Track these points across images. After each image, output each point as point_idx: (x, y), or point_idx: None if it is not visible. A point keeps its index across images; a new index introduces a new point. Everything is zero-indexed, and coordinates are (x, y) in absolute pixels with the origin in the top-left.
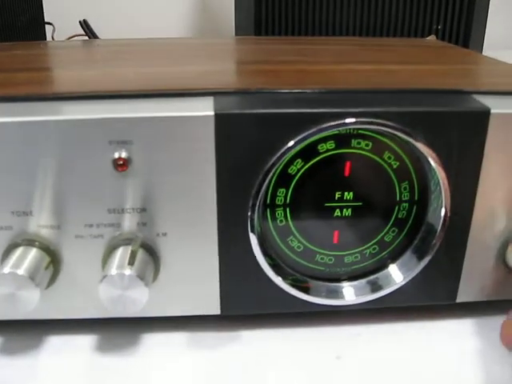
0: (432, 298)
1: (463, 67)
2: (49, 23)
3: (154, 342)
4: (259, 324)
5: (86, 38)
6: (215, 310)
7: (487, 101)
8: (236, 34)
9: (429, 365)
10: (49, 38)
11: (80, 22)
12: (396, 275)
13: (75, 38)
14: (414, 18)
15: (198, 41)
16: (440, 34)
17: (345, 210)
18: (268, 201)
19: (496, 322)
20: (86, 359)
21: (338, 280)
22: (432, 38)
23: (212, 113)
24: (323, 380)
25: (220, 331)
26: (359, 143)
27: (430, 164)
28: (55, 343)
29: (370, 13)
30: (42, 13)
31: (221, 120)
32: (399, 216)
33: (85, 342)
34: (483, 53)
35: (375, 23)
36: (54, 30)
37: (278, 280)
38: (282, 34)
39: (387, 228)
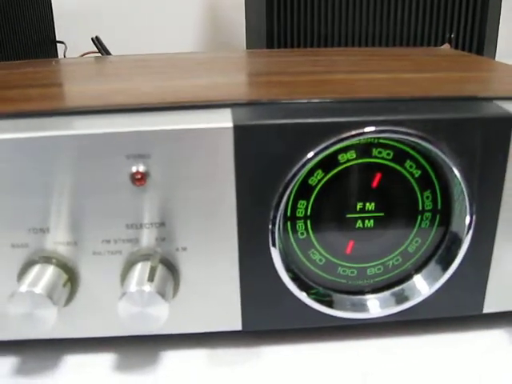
0: (458, 310)
1: (481, 74)
2: (60, 42)
3: (174, 360)
4: (281, 340)
5: (99, 54)
6: (236, 325)
7: (509, 106)
8: (247, 47)
9: (457, 379)
10: (61, 56)
11: (92, 38)
12: (421, 286)
13: (88, 54)
14: (427, 27)
15: (211, 55)
16: (454, 42)
17: (366, 220)
18: (288, 213)
19: None
20: (105, 378)
21: (362, 293)
22: (446, 46)
23: (231, 124)
24: None
25: (241, 347)
26: (380, 152)
27: (453, 172)
28: (73, 362)
29: (383, 23)
30: (54, 32)
31: (239, 131)
32: (422, 226)
33: (103, 360)
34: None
35: (388, 33)
36: (65, 49)
37: (300, 294)
38: (295, 47)
39: (410, 238)
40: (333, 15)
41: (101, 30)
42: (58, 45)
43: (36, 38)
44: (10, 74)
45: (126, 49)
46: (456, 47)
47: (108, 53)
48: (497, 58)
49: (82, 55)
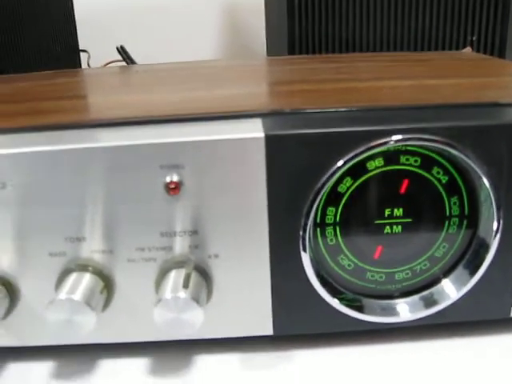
0: (486, 313)
1: (503, 79)
2: (84, 50)
3: (208, 364)
4: (312, 344)
5: (123, 63)
6: (268, 330)
7: None
8: (268, 54)
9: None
10: (84, 64)
11: (117, 47)
12: (450, 290)
13: (112, 63)
14: (449, 30)
15: (234, 63)
16: (475, 46)
17: (395, 226)
18: (318, 220)
19: None
20: (140, 382)
21: (391, 297)
22: (468, 50)
23: (262, 134)
24: None
25: (272, 351)
26: (408, 159)
27: (480, 178)
28: (109, 367)
29: (404, 27)
30: (77, 40)
31: (271, 141)
32: (449, 231)
33: (139, 365)
34: None
35: (409, 37)
36: (89, 57)
37: (330, 299)
38: (317, 52)
39: (438, 243)
40: (354, 20)
41: (122, 36)
42: (81, 53)
43: (59, 47)
44: (40, 85)
45: (147, 56)
46: (478, 49)
47: (133, 62)
48: None
49: (106, 64)
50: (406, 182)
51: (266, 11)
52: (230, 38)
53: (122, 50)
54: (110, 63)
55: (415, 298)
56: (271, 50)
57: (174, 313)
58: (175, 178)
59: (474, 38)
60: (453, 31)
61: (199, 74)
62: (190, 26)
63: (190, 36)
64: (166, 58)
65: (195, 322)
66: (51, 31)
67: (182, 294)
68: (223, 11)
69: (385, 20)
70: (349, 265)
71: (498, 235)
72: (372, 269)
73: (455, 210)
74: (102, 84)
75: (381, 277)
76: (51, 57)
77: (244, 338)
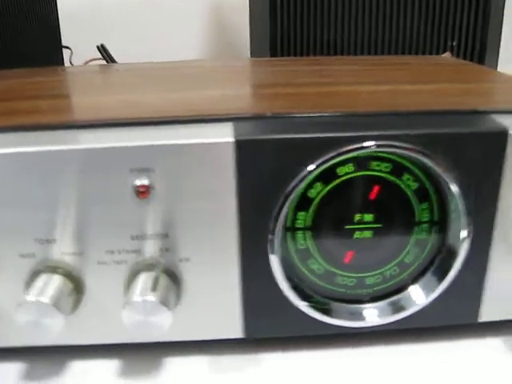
0: (454, 319)
1: (480, 86)
2: (66, 47)
3: (177, 366)
4: (281, 347)
5: (103, 61)
6: (238, 333)
7: (505, 120)
8: (251, 55)
9: None
10: (66, 61)
11: (98, 46)
12: (417, 296)
13: (93, 62)
14: (429, 34)
15: (215, 63)
16: (455, 50)
17: (365, 231)
18: (288, 224)
19: None
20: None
21: (360, 302)
22: (447, 54)
23: (232, 139)
24: None
25: (242, 354)
26: (378, 165)
27: (449, 185)
28: (78, 368)
29: (385, 30)
30: (60, 37)
31: (241, 146)
32: (419, 237)
33: (108, 366)
34: (498, 67)
35: (390, 40)
36: (71, 54)
37: (298, 303)
38: (298, 54)
39: (407, 249)
40: (335, 23)
41: (106, 33)
42: (63, 50)
43: (42, 43)
44: (18, 83)
45: (130, 54)
46: (458, 54)
47: (113, 61)
48: (499, 64)
49: (87, 62)
50: (376, 188)
51: (250, 12)
52: (214, 36)
53: (102, 49)
54: (90, 61)
55: (384, 303)
56: (254, 50)
57: (142, 315)
58: (145, 182)
59: (455, 43)
60: (433, 36)
61: (178, 75)
62: (175, 25)
63: (174, 35)
64: (150, 56)
65: (163, 325)
66: (34, 27)
67: (151, 297)
68: (208, 9)
69: (366, 23)
70: (319, 269)
71: (467, 243)
72: (343, 273)
73: (425, 217)
74: (80, 84)
75: (351, 281)
76: (34, 53)
77: (214, 340)
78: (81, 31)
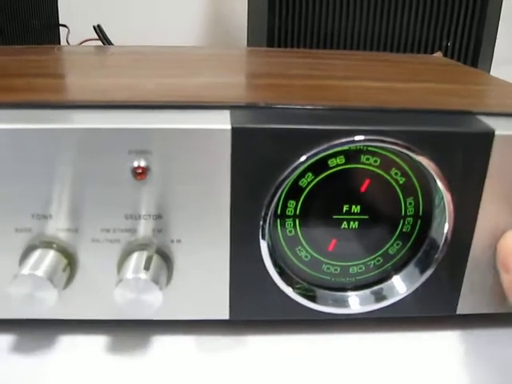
0: (433, 310)
1: (469, 87)
2: (63, 25)
3: (164, 344)
4: (266, 330)
5: (99, 42)
6: (224, 315)
7: (492, 122)
8: (248, 45)
9: (426, 373)
10: (63, 39)
11: (94, 27)
12: (399, 286)
13: (88, 42)
14: (425, 33)
15: (212, 50)
16: (449, 51)
17: (352, 222)
18: (279, 212)
19: (493, 335)
20: (97, 358)
21: (344, 289)
22: (438, 54)
23: (229, 126)
24: None
25: (228, 335)
26: (368, 159)
27: (435, 181)
28: (67, 342)
29: (382, 27)
30: (57, 15)
31: (237, 133)
32: (404, 230)
33: (97, 342)
34: (492, 68)
35: (386, 37)
36: (68, 33)
37: (285, 288)
38: (294, 46)
39: (392, 241)
40: (333, 17)
41: (103, 13)
42: (60, 28)
43: (39, 21)
44: (14, 60)
45: (127, 35)
46: (452, 55)
47: (109, 42)
48: (493, 65)
49: (83, 42)
50: (364, 181)
51: (249, 1)
52: (212, 24)
53: (98, 30)
54: (86, 41)
55: (367, 291)
56: (252, 40)
57: (134, 293)
58: (142, 164)
59: (449, 44)
60: (429, 35)
61: (176, 61)
62: (174, 10)
63: (172, 20)
64: (147, 39)
65: (154, 303)
66: (32, 5)
67: (143, 275)
68: None
69: (363, 19)
70: (306, 256)
71: (449, 237)
72: (328, 261)
73: (410, 211)
74: (77, 64)
75: (336, 269)
76: (32, 30)
77: (201, 321)
78: (79, 10)
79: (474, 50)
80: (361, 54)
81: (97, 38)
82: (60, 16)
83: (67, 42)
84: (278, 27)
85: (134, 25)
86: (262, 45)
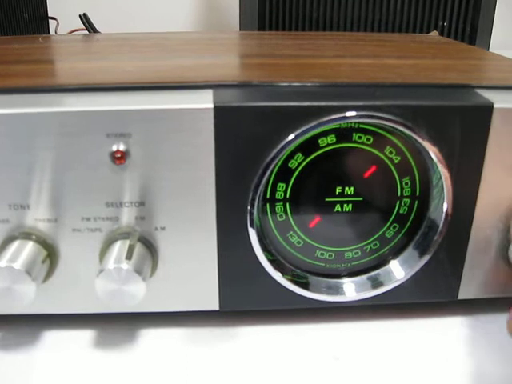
0: (433, 295)
1: (466, 62)
2: (52, 18)
3: (151, 338)
4: (258, 320)
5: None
6: (214, 305)
7: (490, 95)
8: (241, 29)
9: (428, 364)
10: (52, 32)
11: (80, 15)
12: (397, 271)
13: (76, 32)
14: (420, 14)
15: (200, 35)
16: (446, 32)
17: (345, 205)
18: (268, 195)
19: (498, 320)
20: (82, 355)
21: (339, 276)
22: (434, 33)
23: (211, 105)
24: (320, 378)
25: (218, 327)
26: (360, 137)
27: (432, 159)
28: (51, 338)
29: (375, 9)
30: (46, 7)
31: (220, 113)
32: (400, 211)
33: (81, 337)
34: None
35: (380, 19)
36: (57, 25)
37: (277, 275)
38: (286, 29)
39: (388, 224)
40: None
41: (93, 6)
42: (50, 21)
43: (28, 14)
44: None
45: (118, 26)
46: (448, 36)
47: (95, 30)
48: (491, 49)
49: (70, 32)
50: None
51: None
52: (204, 12)
53: (84, 19)
54: (73, 31)
55: (363, 277)
56: (244, 25)
57: (116, 284)
58: (121, 147)
59: (445, 24)
60: (424, 16)
61: (161, 45)
62: (165, 2)
63: (164, 7)
64: (138, 28)
65: (137, 295)
66: None
67: (125, 265)
68: None
69: (356, 1)
70: (298, 242)
71: (449, 217)
72: (321, 247)
73: (407, 191)
74: (59, 51)
75: (330, 255)
76: (20, 24)
77: (190, 312)
78: (67, 2)
79: (470, 32)
80: (352, 34)
81: (84, 28)
82: (49, 9)
83: (56, 33)
84: (269, 12)
85: (125, 13)
86: (253, 30)
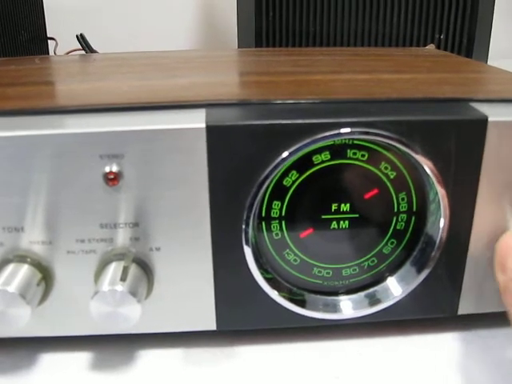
0: (433, 311)
1: (461, 75)
2: (51, 38)
3: (149, 359)
4: (256, 339)
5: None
6: (211, 325)
7: (485, 108)
8: (238, 46)
9: (428, 382)
10: (51, 52)
11: (77, 36)
12: (394, 288)
13: (74, 52)
14: (417, 28)
15: (198, 53)
16: (443, 45)
17: (342, 222)
18: (263, 213)
19: (499, 335)
20: (79, 378)
21: (336, 293)
22: (431, 46)
23: (203, 125)
24: None
25: (216, 347)
26: (355, 154)
27: (428, 174)
28: (47, 361)
29: (372, 23)
30: (45, 28)
31: (212, 132)
32: (397, 227)
33: (77, 359)
34: (488, 62)
35: (377, 33)
36: (56, 45)
37: (273, 294)
38: (283, 45)
39: (385, 240)
40: (321, 14)
41: (92, 26)
42: (49, 41)
43: (27, 35)
44: None
45: (118, 45)
46: (445, 48)
47: (92, 50)
48: (489, 59)
49: (68, 52)
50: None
51: (238, 4)
52: (203, 30)
53: (81, 39)
54: (71, 52)
55: (360, 295)
56: (241, 41)
57: (111, 306)
58: (114, 169)
59: (442, 37)
60: (421, 29)
61: (157, 64)
62: (164, 15)
63: (163, 25)
64: (136, 47)
65: (132, 317)
66: (19, 18)
67: (119, 287)
68: (197, 2)
69: (352, 16)
70: (294, 260)
71: (446, 233)
72: (319, 264)
73: (403, 207)
74: (55, 72)
75: (328, 273)
76: (19, 44)
77: (187, 332)
78: (66, 22)
79: (467, 43)
80: (348, 49)
81: (81, 48)
82: (48, 29)
83: (55, 54)
84: (266, 28)
85: (125, 32)
86: (251, 46)
